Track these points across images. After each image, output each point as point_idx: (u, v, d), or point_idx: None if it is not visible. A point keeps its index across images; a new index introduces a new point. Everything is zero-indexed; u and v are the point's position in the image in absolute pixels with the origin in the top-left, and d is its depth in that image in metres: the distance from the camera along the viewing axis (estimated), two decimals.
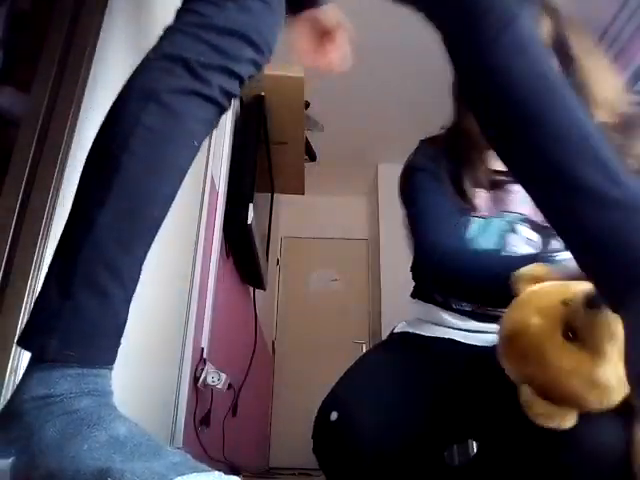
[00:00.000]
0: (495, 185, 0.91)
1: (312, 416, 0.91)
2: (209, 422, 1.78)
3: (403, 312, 1.20)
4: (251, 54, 0.65)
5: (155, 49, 0.68)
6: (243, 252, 2.26)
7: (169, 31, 0.70)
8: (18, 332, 0.78)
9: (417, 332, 0.99)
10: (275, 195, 3.07)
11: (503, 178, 0.90)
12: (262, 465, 3.52)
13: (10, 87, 1.02)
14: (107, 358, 0.57)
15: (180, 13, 0.72)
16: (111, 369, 0.57)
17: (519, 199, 0.87)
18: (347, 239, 4.18)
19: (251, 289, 2.66)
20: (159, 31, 1.41)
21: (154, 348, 1.40)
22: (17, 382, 0.76)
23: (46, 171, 0.88)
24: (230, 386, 1.91)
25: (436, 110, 1.33)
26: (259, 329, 2.80)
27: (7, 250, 0.81)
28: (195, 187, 1.83)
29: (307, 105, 2.75)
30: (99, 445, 0.47)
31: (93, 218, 0.57)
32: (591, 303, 0.57)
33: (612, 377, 0.55)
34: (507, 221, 0.89)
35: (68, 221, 0.61)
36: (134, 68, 0.64)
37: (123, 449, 0.47)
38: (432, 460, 0.86)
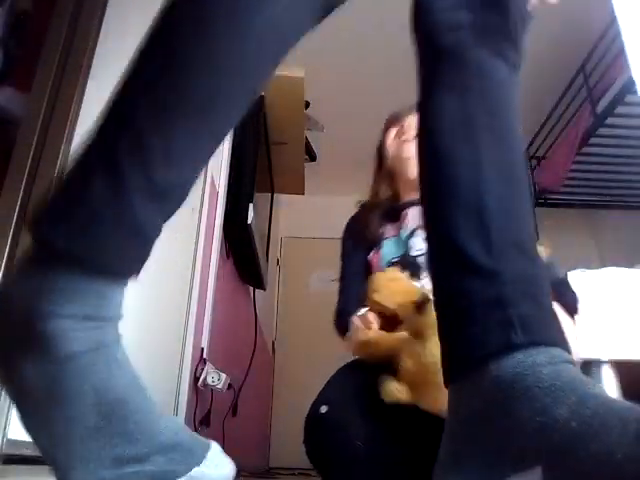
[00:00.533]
0: (395, 216, 1.21)
1: None
2: (209, 422, 1.78)
3: None
4: None
5: None
6: (243, 252, 2.26)
7: None
8: None
9: None
10: (275, 195, 3.07)
11: (399, 207, 1.21)
12: (262, 465, 3.52)
13: (10, 87, 1.02)
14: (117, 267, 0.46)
15: None
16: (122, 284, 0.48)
17: (411, 217, 1.16)
18: None
19: (251, 289, 2.66)
20: None
21: (154, 348, 1.40)
22: None
23: (46, 171, 0.88)
24: (230, 386, 1.91)
25: None
26: (259, 329, 2.80)
27: (7, 250, 0.81)
28: (195, 187, 1.82)
29: (307, 105, 2.75)
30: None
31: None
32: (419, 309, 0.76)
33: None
34: (407, 233, 1.15)
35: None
36: None
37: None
38: (419, 451, 0.87)
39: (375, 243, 1.21)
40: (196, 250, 1.77)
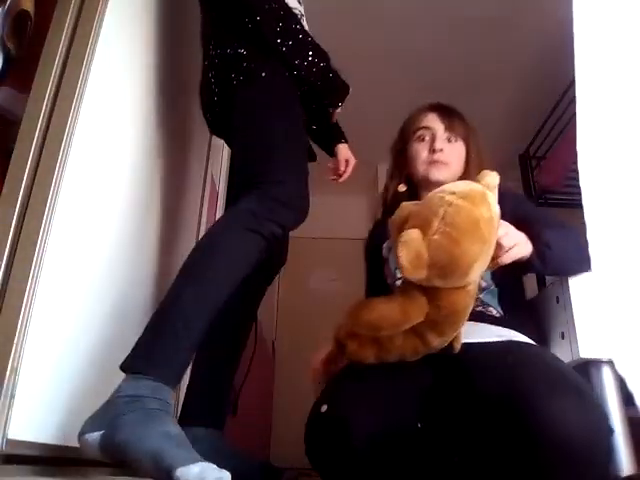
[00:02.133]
0: None
1: None
2: None
3: None
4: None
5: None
6: None
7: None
8: (18, 332, 0.78)
9: None
10: None
11: None
12: None
13: (10, 87, 1.02)
14: (172, 381, 0.85)
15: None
16: (173, 389, 0.85)
17: None
18: (347, 239, 4.18)
19: None
20: (158, 32, 1.42)
21: None
22: (17, 382, 0.77)
23: (46, 171, 0.88)
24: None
25: None
26: (259, 329, 2.80)
27: (7, 250, 0.81)
28: (195, 187, 1.83)
29: None
30: (157, 434, 0.74)
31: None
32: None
33: None
34: None
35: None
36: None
37: (170, 440, 0.75)
38: (419, 449, 0.87)
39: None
40: None
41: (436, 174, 1.22)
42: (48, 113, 0.91)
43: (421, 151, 1.25)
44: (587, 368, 1.04)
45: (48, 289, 0.85)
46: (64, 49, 0.96)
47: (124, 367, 0.85)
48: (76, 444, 0.97)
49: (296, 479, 0.99)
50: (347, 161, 1.50)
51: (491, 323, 1.02)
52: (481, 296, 1.05)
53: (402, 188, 1.28)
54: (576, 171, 0.92)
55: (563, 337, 1.08)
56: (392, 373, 0.94)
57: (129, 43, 1.23)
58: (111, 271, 1.14)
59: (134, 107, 1.25)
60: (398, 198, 1.24)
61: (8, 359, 0.76)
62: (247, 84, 1.17)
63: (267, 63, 1.18)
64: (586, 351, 1.03)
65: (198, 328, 0.89)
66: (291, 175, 1.07)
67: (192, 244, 1.76)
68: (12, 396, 0.75)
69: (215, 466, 0.71)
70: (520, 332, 1.03)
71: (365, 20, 2.63)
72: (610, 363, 1.07)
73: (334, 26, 2.58)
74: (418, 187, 1.28)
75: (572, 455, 0.71)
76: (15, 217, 0.83)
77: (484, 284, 1.07)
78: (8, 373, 0.75)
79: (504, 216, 0.95)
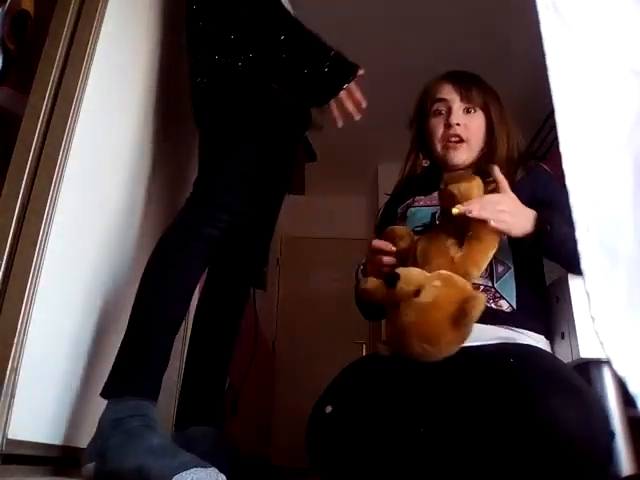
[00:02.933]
0: (430, 188, 1.19)
1: None
2: None
3: None
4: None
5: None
6: None
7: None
8: (18, 332, 0.78)
9: None
10: None
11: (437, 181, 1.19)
12: None
13: (10, 87, 1.02)
14: (151, 394, 0.91)
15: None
16: (154, 402, 0.91)
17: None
18: (347, 239, 4.18)
19: (251, 289, 2.65)
20: (157, 32, 1.42)
21: None
22: (17, 382, 0.77)
23: (46, 171, 0.88)
24: (230, 386, 1.91)
25: None
26: (259, 329, 2.80)
27: (7, 250, 0.81)
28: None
29: None
30: (138, 452, 0.79)
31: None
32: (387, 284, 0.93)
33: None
34: (434, 210, 1.14)
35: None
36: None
37: (154, 453, 0.78)
38: (426, 455, 0.87)
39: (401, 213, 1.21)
40: None
41: (454, 158, 1.17)
42: (48, 113, 0.91)
43: (438, 126, 1.20)
44: (587, 368, 1.04)
45: (48, 289, 0.85)
46: (64, 49, 0.96)
47: (104, 395, 0.90)
48: (76, 444, 0.97)
49: (295, 479, 0.99)
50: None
51: (500, 320, 1.00)
52: (496, 285, 1.03)
53: (425, 163, 1.24)
54: None
55: (563, 337, 1.08)
56: (397, 377, 0.93)
57: (129, 43, 1.23)
58: (111, 271, 1.14)
59: (134, 107, 1.25)
60: (418, 172, 1.24)
61: (8, 359, 0.76)
62: (218, 88, 1.18)
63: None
64: (586, 351, 1.03)
65: (163, 340, 0.96)
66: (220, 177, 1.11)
67: None
68: (12, 396, 0.75)
69: (212, 469, 0.75)
70: (530, 327, 1.01)
71: (366, 20, 2.64)
72: (610, 363, 1.07)
73: (334, 26, 2.59)
74: (439, 164, 1.23)
75: (572, 454, 0.71)
76: (15, 217, 0.83)
77: (500, 268, 1.04)
78: (8, 373, 0.75)
79: (522, 197, 0.99)
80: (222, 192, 1.09)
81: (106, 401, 0.89)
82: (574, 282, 1.08)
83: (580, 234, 0.48)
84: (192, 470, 0.74)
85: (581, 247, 0.48)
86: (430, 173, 1.24)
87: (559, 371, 0.84)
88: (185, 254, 1.03)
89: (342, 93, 1.11)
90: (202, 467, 0.75)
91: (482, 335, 0.96)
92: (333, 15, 2.42)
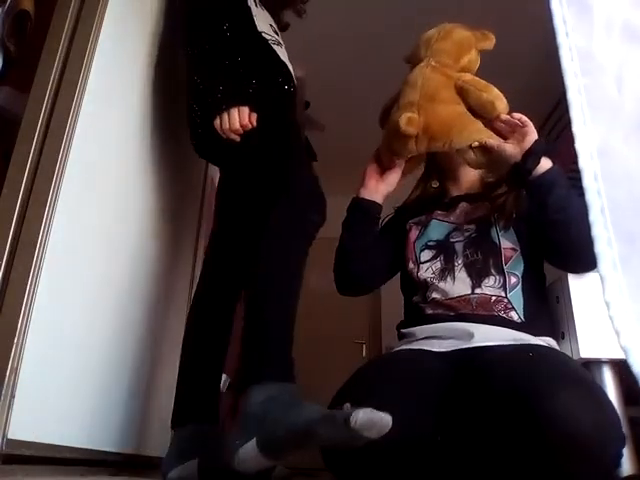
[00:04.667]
0: (445, 206, 1.22)
1: None
2: None
3: (403, 312, 1.20)
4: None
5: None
6: None
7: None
8: (18, 332, 0.78)
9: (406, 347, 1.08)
10: None
11: (451, 200, 1.22)
12: None
13: (10, 87, 1.02)
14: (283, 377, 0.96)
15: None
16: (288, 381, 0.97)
17: (460, 211, 1.19)
18: None
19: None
20: (158, 31, 1.41)
21: (155, 348, 1.40)
22: (17, 382, 0.77)
23: (46, 171, 0.88)
24: (230, 386, 1.91)
25: None
26: None
27: (7, 250, 0.81)
28: (195, 187, 1.83)
29: (307, 105, 2.75)
30: (310, 409, 0.82)
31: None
32: None
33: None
34: (449, 226, 1.18)
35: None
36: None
37: (322, 409, 0.82)
38: (445, 457, 0.87)
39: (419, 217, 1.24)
40: (196, 249, 1.78)
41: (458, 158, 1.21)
42: (48, 113, 0.91)
43: None
44: (587, 368, 1.04)
45: (48, 289, 0.85)
46: (64, 49, 0.96)
47: (250, 383, 0.93)
48: (76, 444, 0.97)
49: (289, 479, 0.99)
50: None
51: (511, 327, 1.01)
52: (509, 296, 1.03)
53: (435, 184, 1.28)
54: (576, 171, 0.92)
55: (563, 337, 1.08)
56: (415, 374, 0.94)
57: (129, 43, 1.23)
58: (111, 270, 1.14)
59: (134, 106, 1.25)
60: (429, 192, 1.28)
61: (8, 359, 0.76)
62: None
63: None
64: (586, 351, 1.03)
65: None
66: None
67: (192, 243, 1.77)
68: (12, 396, 0.75)
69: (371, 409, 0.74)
70: (538, 335, 1.02)
71: (366, 20, 2.64)
72: (610, 363, 1.07)
73: (333, 26, 2.59)
74: (445, 179, 1.27)
75: (583, 452, 0.71)
76: (15, 217, 0.83)
77: (513, 280, 1.05)
78: (8, 373, 0.75)
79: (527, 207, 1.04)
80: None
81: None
82: (574, 282, 1.08)
83: (594, 216, 0.47)
84: (363, 409, 0.73)
85: (595, 230, 0.47)
86: (439, 193, 1.27)
87: (572, 370, 0.85)
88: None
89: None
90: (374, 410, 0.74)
91: (498, 336, 0.97)
92: (333, 15, 2.42)
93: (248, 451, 0.84)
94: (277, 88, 1.26)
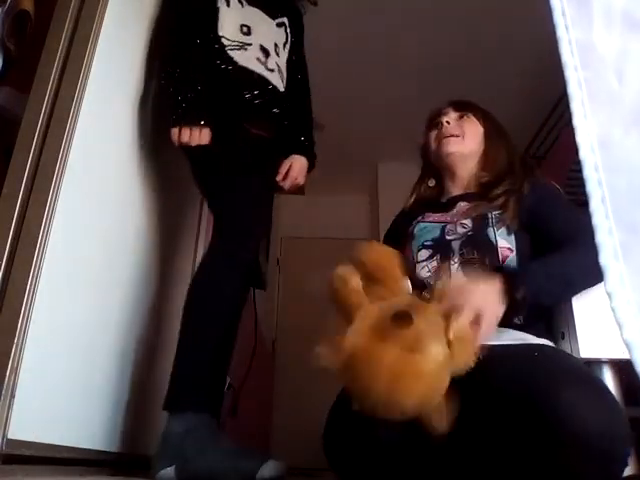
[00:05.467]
0: (441, 207, 1.21)
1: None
2: None
3: None
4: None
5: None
6: None
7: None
8: (18, 332, 0.78)
9: None
10: (275, 195, 3.05)
11: (448, 200, 1.22)
12: None
13: (10, 87, 1.02)
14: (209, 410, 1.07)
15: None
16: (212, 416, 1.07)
17: (458, 209, 1.17)
18: (347, 239, 4.18)
19: (251, 289, 2.65)
20: (158, 32, 1.41)
21: (155, 348, 1.40)
22: (17, 382, 0.77)
23: (46, 171, 0.88)
24: (230, 386, 1.90)
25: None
26: (259, 329, 2.80)
27: (7, 250, 0.81)
28: (195, 187, 1.82)
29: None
30: (223, 453, 0.99)
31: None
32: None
33: None
34: (442, 225, 1.17)
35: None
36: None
37: (235, 455, 1.00)
38: (452, 458, 0.87)
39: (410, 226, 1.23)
40: (196, 250, 1.77)
41: (447, 147, 1.20)
42: (48, 113, 0.91)
43: (433, 134, 1.26)
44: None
45: (48, 289, 0.85)
46: (64, 49, 0.96)
47: (172, 410, 1.07)
48: (75, 444, 0.97)
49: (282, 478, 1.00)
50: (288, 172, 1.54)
51: (510, 328, 1.01)
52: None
53: (431, 183, 1.28)
54: (576, 171, 0.92)
55: (563, 337, 1.08)
56: None
57: (129, 43, 1.23)
58: (111, 271, 1.15)
59: (134, 107, 1.25)
60: (426, 193, 1.27)
61: (8, 359, 0.76)
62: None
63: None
64: (586, 351, 1.03)
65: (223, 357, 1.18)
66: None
67: (191, 244, 1.77)
68: (12, 396, 0.75)
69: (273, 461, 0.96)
70: (539, 337, 1.02)
71: (366, 19, 2.64)
72: (610, 363, 1.07)
73: (333, 25, 2.58)
74: (443, 179, 1.27)
75: (591, 451, 0.71)
76: (15, 217, 0.83)
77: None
78: (8, 373, 0.75)
79: (523, 211, 1.05)
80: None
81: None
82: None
83: (595, 206, 0.47)
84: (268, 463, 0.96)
85: (596, 220, 0.46)
86: (438, 194, 1.27)
87: (578, 370, 0.85)
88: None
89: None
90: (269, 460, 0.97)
91: (504, 335, 0.97)
92: (333, 15, 2.42)
93: (168, 475, 0.99)
94: (233, 98, 1.28)
